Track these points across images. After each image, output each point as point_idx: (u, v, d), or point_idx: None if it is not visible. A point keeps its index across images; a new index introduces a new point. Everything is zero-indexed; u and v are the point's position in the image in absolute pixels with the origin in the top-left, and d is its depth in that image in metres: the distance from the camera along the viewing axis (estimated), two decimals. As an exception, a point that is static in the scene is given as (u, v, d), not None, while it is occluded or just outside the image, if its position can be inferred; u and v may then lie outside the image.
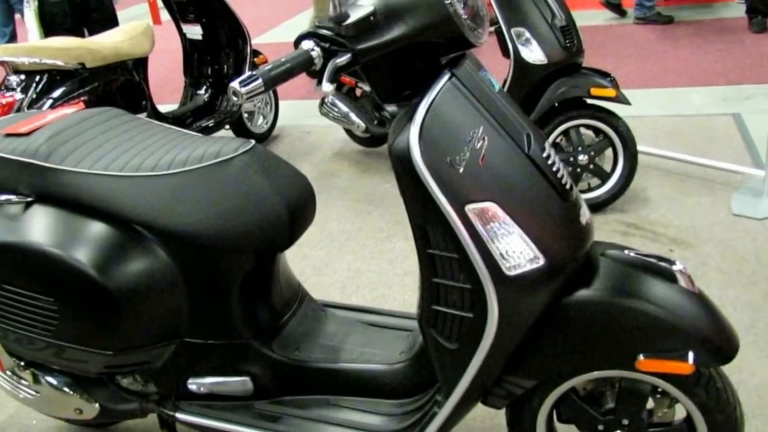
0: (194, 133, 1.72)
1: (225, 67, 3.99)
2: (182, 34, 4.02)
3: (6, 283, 1.58)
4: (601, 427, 1.49)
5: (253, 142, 1.61)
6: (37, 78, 3.11)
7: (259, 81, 1.17)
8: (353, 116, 3.53)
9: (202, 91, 4.03)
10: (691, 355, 1.31)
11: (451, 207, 1.28)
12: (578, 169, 2.95)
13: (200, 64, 4.04)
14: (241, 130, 4.08)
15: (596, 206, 3.00)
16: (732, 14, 5.83)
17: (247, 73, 1.18)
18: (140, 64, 3.51)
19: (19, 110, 3.04)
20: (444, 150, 1.28)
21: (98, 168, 1.55)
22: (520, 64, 2.89)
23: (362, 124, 3.52)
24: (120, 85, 3.36)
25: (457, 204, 1.28)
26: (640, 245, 2.77)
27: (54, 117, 1.71)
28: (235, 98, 1.17)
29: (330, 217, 3.28)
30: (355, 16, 1.25)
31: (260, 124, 4.26)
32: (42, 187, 1.57)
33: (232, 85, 1.16)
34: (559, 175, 1.36)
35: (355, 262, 2.89)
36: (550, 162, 1.36)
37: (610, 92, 2.80)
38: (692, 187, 3.19)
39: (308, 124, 4.46)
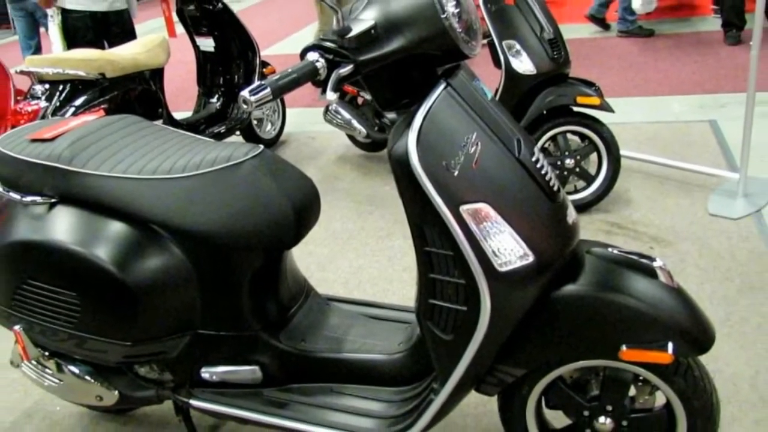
0: (207, 139, 1.72)
1: (236, 77, 3.99)
2: (196, 47, 4.03)
3: (32, 279, 1.58)
4: (586, 413, 1.49)
5: (262, 147, 1.61)
6: (61, 87, 3.11)
7: (268, 90, 1.18)
8: (355, 123, 3.52)
9: (214, 100, 4.03)
10: (670, 346, 1.31)
11: (446, 207, 1.28)
12: (565, 172, 2.95)
13: (213, 74, 4.04)
14: (250, 135, 4.08)
15: (582, 207, 3.00)
16: (709, 28, 5.83)
17: (257, 83, 1.18)
18: (157, 74, 3.51)
19: (43, 117, 3.04)
20: (440, 154, 1.28)
21: (117, 171, 1.55)
22: (510, 74, 2.90)
23: (364, 130, 3.51)
24: (138, 94, 3.36)
25: (452, 205, 1.28)
26: (623, 243, 2.77)
27: (76, 123, 1.71)
28: (245, 106, 1.17)
29: (334, 217, 3.28)
30: (357, 29, 1.25)
31: (269, 131, 4.26)
32: (65, 189, 1.57)
33: (242, 93, 1.17)
34: (547, 178, 1.36)
35: (357, 259, 2.88)
36: (538, 165, 1.36)
37: (595, 100, 2.81)
38: (671, 189, 3.19)
39: (313, 130, 4.46)
